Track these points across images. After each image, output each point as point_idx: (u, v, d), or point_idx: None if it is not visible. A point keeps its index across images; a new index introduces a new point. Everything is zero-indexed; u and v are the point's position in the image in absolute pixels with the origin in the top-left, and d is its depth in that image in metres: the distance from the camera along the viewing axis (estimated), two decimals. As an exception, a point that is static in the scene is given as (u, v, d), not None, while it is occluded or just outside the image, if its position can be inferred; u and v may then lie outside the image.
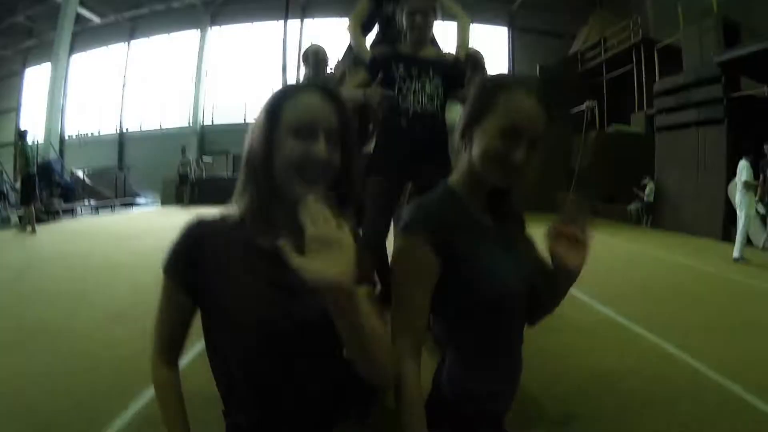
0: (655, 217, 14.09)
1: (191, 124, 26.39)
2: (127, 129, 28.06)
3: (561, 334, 4.08)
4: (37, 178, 13.26)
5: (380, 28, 4.23)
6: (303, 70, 5.13)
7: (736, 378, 3.32)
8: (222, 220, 1.29)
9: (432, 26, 3.33)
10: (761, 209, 9.83)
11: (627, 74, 18.17)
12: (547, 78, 19.98)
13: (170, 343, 1.29)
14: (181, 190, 18.54)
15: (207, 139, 26.56)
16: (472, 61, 4.02)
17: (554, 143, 16.99)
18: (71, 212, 15.20)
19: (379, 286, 2.92)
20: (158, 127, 27.39)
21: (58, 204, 14.65)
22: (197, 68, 26.73)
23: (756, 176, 8.87)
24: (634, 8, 19.35)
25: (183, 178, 18.72)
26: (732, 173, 10.59)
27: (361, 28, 3.85)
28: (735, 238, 8.73)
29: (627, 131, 17.65)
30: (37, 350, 3.67)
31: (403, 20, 3.27)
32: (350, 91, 3.35)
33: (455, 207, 1.36)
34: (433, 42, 3.94)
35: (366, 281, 1.19)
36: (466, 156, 1.37)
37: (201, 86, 26.73)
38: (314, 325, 1.17)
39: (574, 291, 4.43)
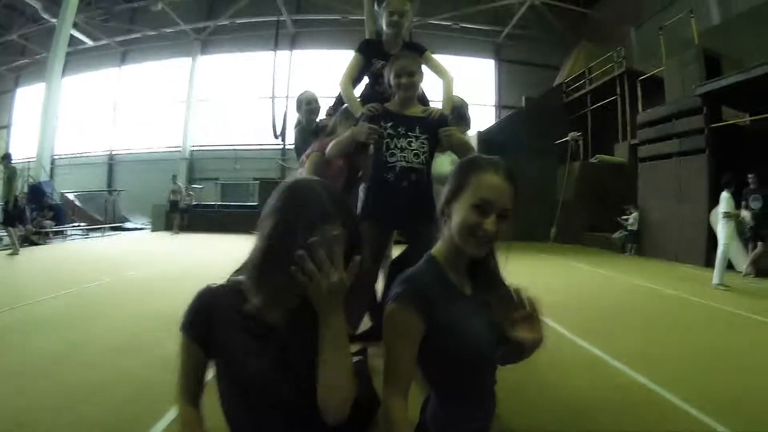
0: (640, 245, 14.22)
1: (181, 150, 26.48)
2: (115, 152, 28.14)
3: (535, 367, 4.03)
4: (26, 201, 13.35)
5: (369, 83, 4.31)
6: (296, 116, 5.41)
7: (709, 411, 3.36)
8: (228, 289, 1.49)
9: (418, 85, 3.55)
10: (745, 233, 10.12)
11: (611, 105, 18.46)
12: (532, 109, 20.38)
13: (190, 387, 1.48)
14: (171, 218, 18.53)
15: (196, 165, 26.66)
16: (456, 112, 4.29)
17: (539, 174, 17.23)
18: (62, 234, 15.12)
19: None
20: (148, 151, 27.43)
21: (49, 226, 14.59)
22: (187, 95, 26.88)
23: (738, 205, 9.23)
24: (618, 40, 19.72)
25: (173, 206, 18.74)
26: (713, 202, 10.86)
27: (352, 83, 4.05)
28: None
29: (611, 161, 17.88)
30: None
31: (390, 80, 3.45)
32: (339, 139, 3.62)
33: (438, 279, 1.57)
34: (422, 98, 4.19)
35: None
36: (446, 230, 1.59)
37: (191, 113, 26.86)
38: (298, 381, 1.40)
39: (551, 323, 4.85)
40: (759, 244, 10.11)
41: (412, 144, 3.42)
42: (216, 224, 18.99)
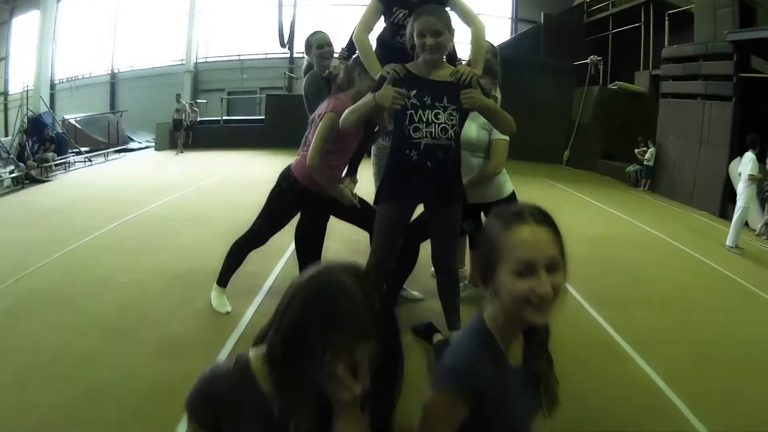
0: (654, 182, 14.35)
1: (185, 63, 25.65)
2: (118, 70, 27.28)
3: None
4: (26, 135, 13.32)
5: (389, 32, 3.74)
6: (305, 60, 4.74)
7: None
8: (236, 377, 1.26)
9: (447, 47, 3.08)
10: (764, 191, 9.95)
11: (633, 31, 17.94)
12: (551, 27, 19.80)
13: None
14: (176, 137, 18.35)
15: (201, 78, 25.95)
16: (486, 68, 3.58)
17: (555, 95, 17.06)
18: (64, 166, 14.89)
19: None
20: (151, 67, 26.65)
21: (52, 159, 14.39)
22: (190, 5, 25.71)
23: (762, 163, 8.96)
24: None
25: (177, 124, 18.51)
26: (735, 152, 10.97)
27: (368, 35, 3.53)
28: (732, 216, 8.73)
29: (630, 89, 17.63)
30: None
31: (414, 37, 3.01)
32: (357, 105, 3.13)
33: (490, 354, 1.32)
34: (451, 56, 3.67)
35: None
36: (497, 302, 1.30)
37: (194, 24, 25.82)
38: None
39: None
40: None
41: (440, 116, 2.99)
42: (221, 141, 18.53)
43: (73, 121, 20.08)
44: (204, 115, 21.00)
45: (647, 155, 14.50)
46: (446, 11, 3.20)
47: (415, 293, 4.74)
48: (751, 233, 9.90)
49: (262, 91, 23.23)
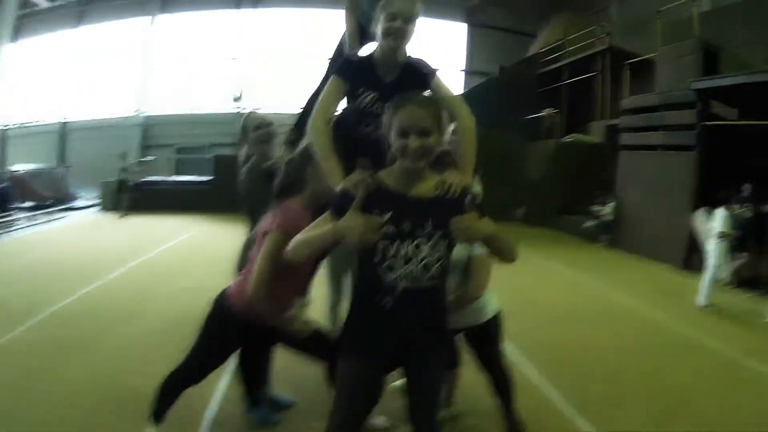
0: (615, 236, 13.68)
1: (135, 115, 25.62)
2: (68, 120, 26.84)
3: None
4: None
5: (354, 118, 3.00)
6: (243, 150, 3.92)
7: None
8: None
9: (435, 150, 2.15)
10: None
11: (588, 81, 17.83)
12: (506, 79, 19.72)
13: None
14: (120, 198, 17.25)
15: (151, 132, 25.71)
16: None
17: (509, 150, 16.61)
18: (6, 226, 13.79)
19: None
20: (102, 118, 26.27)
21: None
22: (145, 57, 26.01)
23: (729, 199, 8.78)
24: (599, 14, 19.23)
25: (122, 184, 17.47)
26: (699, 202, 10.52)
27: (328, 124, 2.76)
28: (696, 267, 8.97)
29: (586, 141, 17.28)
30: None
31: (393, 137, 2.14)
32: (311, 236, 2.18)
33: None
34: (443, 159, 2.69)
35: None
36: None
37: (148, 76, 26.00)
38: None
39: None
40: (743, 254, 9.78)
41: (422, 249, 2.14)
42: (167, 202, 17.68)
43: (20, 173, 19.29)
44: (153, 172, 20.13)
45: (606, 210, 13.86)
46: (437, 101, 2.38)
47: (381, 421, 3.69)
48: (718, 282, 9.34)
49: (213, 147, 23.38)
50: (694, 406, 4.48)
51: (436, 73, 2.82)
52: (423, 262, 2.14)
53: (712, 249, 8.31)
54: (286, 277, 2.86)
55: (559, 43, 19.89)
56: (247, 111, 22.89)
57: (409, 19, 2.69)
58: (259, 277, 2.72)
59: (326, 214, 2.18)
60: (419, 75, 2.81)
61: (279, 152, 3.61)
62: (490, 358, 3.41)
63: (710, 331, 6.89)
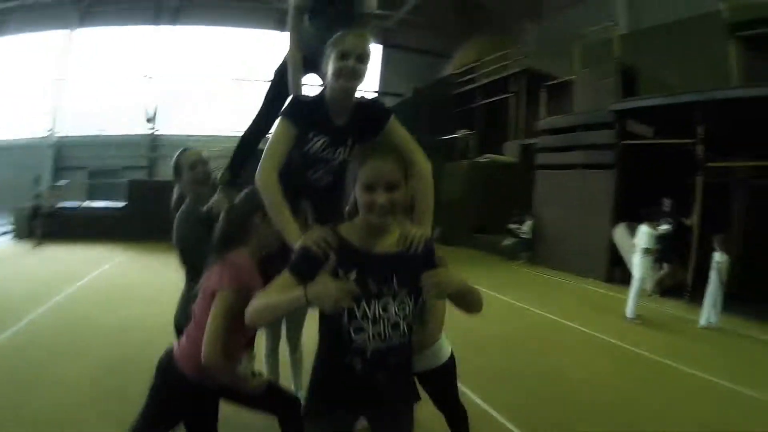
0: (535, 253, 13.98)
1: (48, 136, 23.84)
2: None
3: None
4: None
5: (301, 163, 2.77)
6: (175, 190, 3.45)
7: None
8: None
9: (402, 204, 2.04)
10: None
11: (502, 101, 18.24)
12: (420, 100, 19.82)
13: None
14: (34, 225, 15.76)
15: (63, 153, 24.02)
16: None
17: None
18: None
19: None
20: (11, 139, 24.30)
21: None
22: (58, 73, 24.22)
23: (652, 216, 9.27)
24: (514, 34, 19.78)
25: (35, 211, 15.94)
26: (619, 217, 11.39)
27: (278, 173, 2.47)
28: (619, 279, 9.90)
29: (501, 161, 17.61)
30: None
31: (356, 192, 2.02)
32: (273, 302, 1.98)
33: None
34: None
35: None
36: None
37: (61, 93, 24.21)
38: None
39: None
40: (665, 264, 10.38)
41: (389, 308, 2.05)
42: (80, 230, 16.34)
43: None
44: (66, 197, 18.28)
45: (524, 228, 14.16)
46: (401, 151, 2.24)
47: None
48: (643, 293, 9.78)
49: (125, 170, 22.31)
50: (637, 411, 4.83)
51: (391, 115, 2.64)
52: (391, 321, 2.05)
53: (637, 264, 8.73)
54: (236, 334, 2.62)
55: (475, 64, 20.32)
56: (159, 132, 21.62)
57: (362, 57, 2.49)
58: (212, 340, 2.47)
59: (286, 275, 2.02)
60: (373, 118, 2.62)
61: (214, 195, 3.22)
62: (446, 397, 3.36)
63: (641, 340, 7.24)
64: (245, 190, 2.75)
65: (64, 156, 24.01)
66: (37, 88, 24.46)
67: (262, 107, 3.55)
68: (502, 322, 7.89)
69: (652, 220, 8.96)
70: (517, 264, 13.97)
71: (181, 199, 3.34)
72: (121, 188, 18.91)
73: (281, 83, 3.28)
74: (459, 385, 3.40)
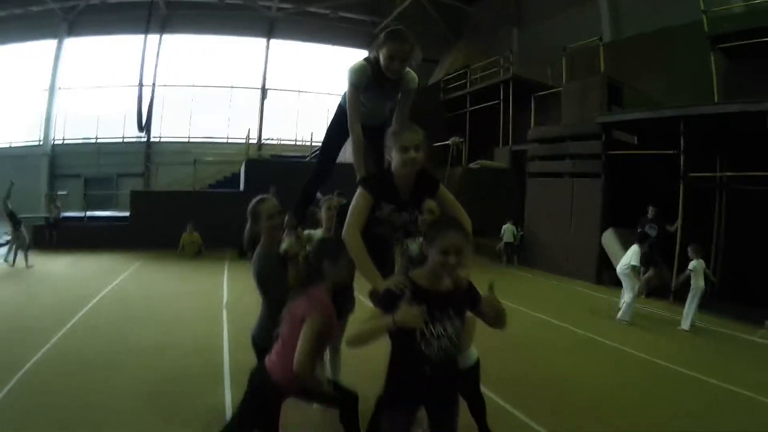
0: (525, 257, 14.48)
1: (43, 144, 23.95)
2: None
3: None
4: None
5: (373, 221, 3.44)
6: (246, 230, 3.98)
7: None
8: None
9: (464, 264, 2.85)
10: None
11: (491, 108, 18.65)
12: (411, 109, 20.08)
13: None
14: (49, 236, 16.07)
15: (58, 162, 24.17)
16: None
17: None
18: None
19: None
20: (6, 146, 24.43)
21: None
22: (51, 81, 24.18)
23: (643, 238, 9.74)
24: (500, 41, 19.99)
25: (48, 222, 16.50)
26: (607, 223, 11.94)
27: (361, 235, 3.22)
28: (607, 282, 10.79)
29: (492, 167, 18.09)
30: None
31: (435, 255, 2.78)
32: (367, 328, 2.80)
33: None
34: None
35: None
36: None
37: (54, 101, 24.18)
38: None
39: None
40: (651, 268, 10.81)
41: (447, 329, 2.86)
42: (86, 241, 16.45)
43: None
44: (66, 208, 18.22)
45: (502, 233, 14.72)
46: (468, 230, 3.04)
47: None
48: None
49: (120, 177, 23.09)
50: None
51: (440, 183, 3.40)
52: (448, 338, 2.84)
53: (629, 281, 9.18)
54: (320, 350, 3.52)
55: (463, 71, 20.68)
56: (152, 139, 21.49)
57: (419, 147, 3.16)
58: (305, 355, 3.22)
59: (375, 311, 2.84)
60: (428, 187, 3.38)
61: (285, 237, 3.96)
62: (472, 390, 4.25)
63: (627, 339, 7.84)
64: (316, 242, 3.82)
65: (59, 164, 24.17)
66: (30, 97, 24.63)
67: (320, 153, 4.48)
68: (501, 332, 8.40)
69: (642, 241, 9.42)
70: (509, 267, 14.49)
71: (252, 239, 3.94)
72: (118, 197, 19.51)
73: (334, 131, 4.17)
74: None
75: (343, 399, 3.76)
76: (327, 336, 3.39)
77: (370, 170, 3.64)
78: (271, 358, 3.47)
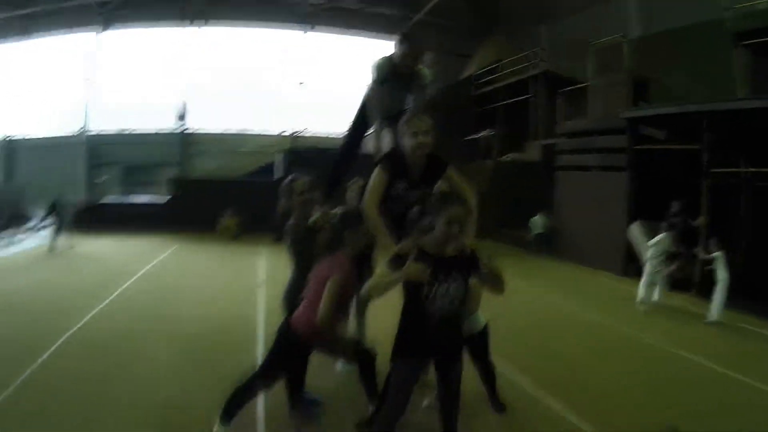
0: (555, 248, 14.76)
1: (83, 133, 24.69)
2: (12, 137, 25.34)
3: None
4: None
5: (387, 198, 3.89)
6: (281, 201, 4.58)
7: None
8: None
9: (466, 234, 3.35)
10: None
11: (523, 102, 18.84)
12: (442, 101, 20.29)
13: None
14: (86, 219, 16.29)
15: (95, 151, 24.78)
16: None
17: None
18: None
19: None
20: (48, 136, 25.05)
21: None
22: (89, 73, 24.83)
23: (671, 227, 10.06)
24: (531, 37, 19.99)
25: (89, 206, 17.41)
26: (633, 216, 12.01)
27: (378, 208, 3.73)
28: (633, 273, 10.67)
29: (524, 160, 18.33)
30: None
31: (440, 224, 3.24)
32: (382, 281, 3.30)
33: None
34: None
35: None
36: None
37: (91, 92, 24.83)
38: None
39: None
40: (676, 260, 10.71)
41: (451, 289, 3.27)
42: (126, 224, 17.38)
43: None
44: (106, 192, 19.74)
45: (530, 224, 15.29)
46: (470, 205, 3.61)
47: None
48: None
49: (156, 167, 23.65)
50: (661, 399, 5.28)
51: (448, 165, 3.86)
52: (452, 297, 3.27)
53: (654, 263, 9.52)
54: (340, 306, 3.90)
55: (495, 65, 20.92)
56: (189, 130, 21.97)
57: (427, 132, 3.64)
58: (327, 311, 3.69)
59: (386, 267, 3.30)
60: (439, 167, 3.85)
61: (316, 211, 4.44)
62: (481, 355, 4.58)
63: (648, 328, 8.01)
64: (339, 213, 4.54)
65: (97, 154, 24.75)
66: (68, 88, 25.20)
67: (346, 139, 5.13)
68: (530, 309, 8.85)
69: (671, 229, 9.78)
70: (539, 257, 14.77)
71: (285, 213, 4.55)
72: (156, 184, 20.57)
73: (358, 121, 4.80)
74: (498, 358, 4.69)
75: (362, 356, 4.25)
76: (347, 294, 3.85)
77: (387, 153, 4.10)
78: (296, 314, 3.97)
